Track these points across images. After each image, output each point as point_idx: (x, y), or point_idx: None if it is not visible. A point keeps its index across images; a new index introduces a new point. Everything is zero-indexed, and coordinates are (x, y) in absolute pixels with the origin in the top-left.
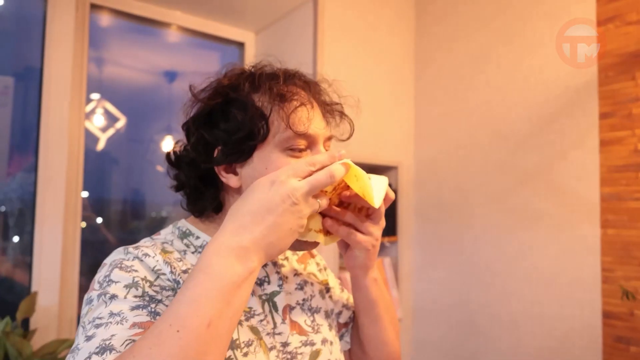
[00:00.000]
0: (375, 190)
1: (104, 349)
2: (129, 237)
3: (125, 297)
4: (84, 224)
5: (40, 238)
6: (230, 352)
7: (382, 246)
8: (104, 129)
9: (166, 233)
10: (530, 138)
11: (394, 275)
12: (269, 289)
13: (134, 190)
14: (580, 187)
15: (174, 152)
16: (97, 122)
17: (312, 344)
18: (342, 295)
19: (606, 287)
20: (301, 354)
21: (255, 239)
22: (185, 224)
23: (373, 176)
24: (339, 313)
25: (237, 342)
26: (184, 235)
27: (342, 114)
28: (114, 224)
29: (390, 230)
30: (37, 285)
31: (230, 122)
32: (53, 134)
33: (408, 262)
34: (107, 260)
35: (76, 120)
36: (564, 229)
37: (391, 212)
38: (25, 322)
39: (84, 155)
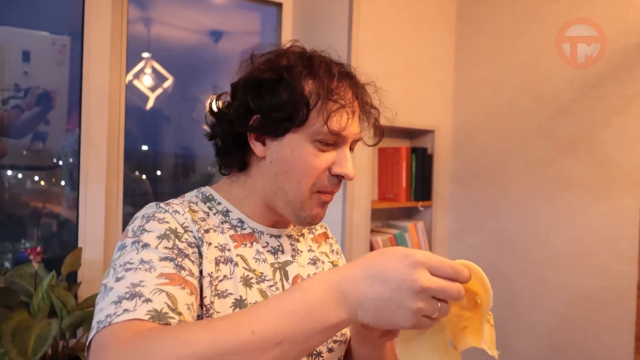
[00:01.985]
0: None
1: (133, 295)
2: (184, 190)
3: (156, 247)
4: (144, 176)
5: (85, 196)
6: (237, 310)
7: (416, 210)
8: (152, 89)
9: (190, 196)
10: (572, 103)
11: (426, 240)
12: (282, 258)
13: (184, 147)
14: (622, 156)
15: (217, 105)
16: (146, 81)
17: None
18: None
19: None
20: None
21: (357, 296)
22: (208, 189)
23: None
24: None
25: (246, 302)
26: (206, 199)
27: (376, 122)
28: (168, 177)
29: (425, 194)
30: (82, 241)
31: (275, 99)
32: (94, 94)
33: (442, 227)
34: (140, 214)
35: (116, 80)
36: (603, 198)
37: (427, 176)
38: (73, 276)
39: (124, 114)
